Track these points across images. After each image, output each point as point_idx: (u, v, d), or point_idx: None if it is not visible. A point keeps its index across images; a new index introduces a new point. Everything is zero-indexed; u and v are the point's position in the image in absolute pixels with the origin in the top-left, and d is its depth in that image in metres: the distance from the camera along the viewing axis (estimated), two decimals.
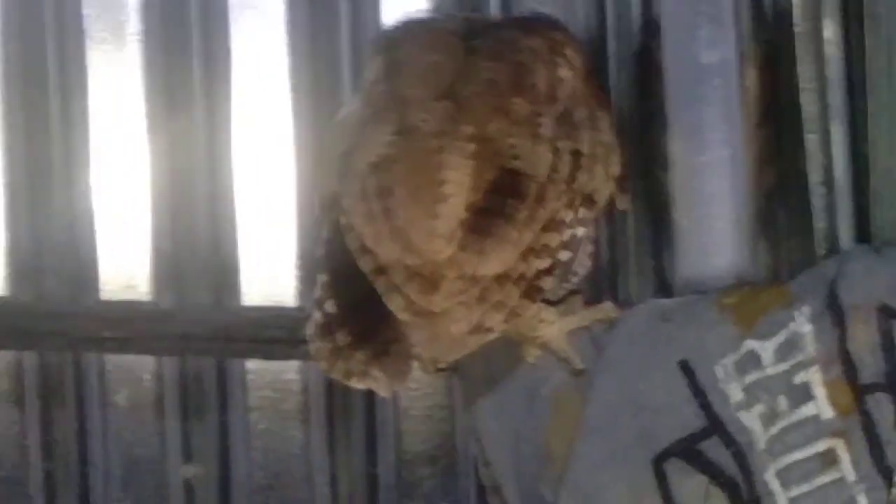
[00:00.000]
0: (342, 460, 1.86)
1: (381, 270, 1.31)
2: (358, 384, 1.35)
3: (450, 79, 1.36)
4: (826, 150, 1.40)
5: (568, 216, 1.35)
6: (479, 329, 1.30)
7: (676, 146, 1.46)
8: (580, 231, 1.37)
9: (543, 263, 1.33)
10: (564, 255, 1.35)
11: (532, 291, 1.33)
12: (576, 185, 1.35)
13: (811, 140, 1.40)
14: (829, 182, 1.40)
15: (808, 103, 1.39)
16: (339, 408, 1.86)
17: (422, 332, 1.29)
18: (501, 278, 1.30)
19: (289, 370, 1.87)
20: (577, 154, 1.36)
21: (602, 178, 1.39)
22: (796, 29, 1.38)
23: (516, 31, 1.43)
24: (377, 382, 1.33)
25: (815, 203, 1.40)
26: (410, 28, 1.49)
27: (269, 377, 1.89)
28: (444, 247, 1.29)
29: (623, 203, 1.45)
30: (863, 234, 1.40)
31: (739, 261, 1.44)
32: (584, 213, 1.38)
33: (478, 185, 1.30)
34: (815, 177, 1.40)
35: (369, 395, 1.86)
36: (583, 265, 1.44)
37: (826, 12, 1.38)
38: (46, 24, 1.93)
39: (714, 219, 1.45)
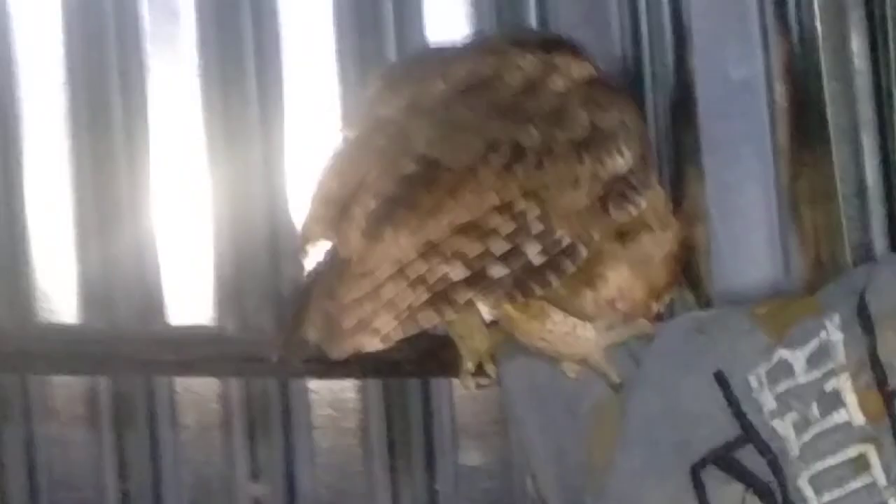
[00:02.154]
0: (403, 476, 1.92)
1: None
2: None
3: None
4: (857, 161, 1.42)
5: (499, 223, 1.29)
6: (365, 328, 1.26)
7: (709, 160, 1.49)
8: (532, 249, 1.30)
9: (454, 272, 1.27)
10: (497, 272, 1.28)
11: (440, 302, 1.27)
12: (515, 182, 1.30)
13: (842, 152, 1.42)
14: (861, 193, 1.42)
15: (836, 116, 1.41)
16: (398, 424, 1.92)
17: (325, 323, 1.29)
18: (397, 276, 1.27)
19: (348, 389, 1.93)
20: (518, 147, 1.31)
21: (566, 180, 1.32)
22: (822, 43, 1.41)
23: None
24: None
25: (847, 214, 1.42)
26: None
27: (331, 397, 1.94)
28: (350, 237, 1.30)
29: (634, 205, 1.38)
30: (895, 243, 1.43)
31: (774, 272, 1.46)
32: (537, 228, 1.30)
33: (392, 174, 1.31)
34: (846, 188, 1.42)
35: (427, 412, 1.92)
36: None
37: (852, 26, 1.40)
38: (109, 65, 2.00)
39: (748, 231, 1.47)
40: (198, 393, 2.00)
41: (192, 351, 1.83)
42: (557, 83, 1.38)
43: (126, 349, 1.87)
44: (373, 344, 1.27)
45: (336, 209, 1.33)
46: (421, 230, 1.28)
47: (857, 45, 1.41)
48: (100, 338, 1.92)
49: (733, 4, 1.45)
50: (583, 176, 1.34)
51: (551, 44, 1.44)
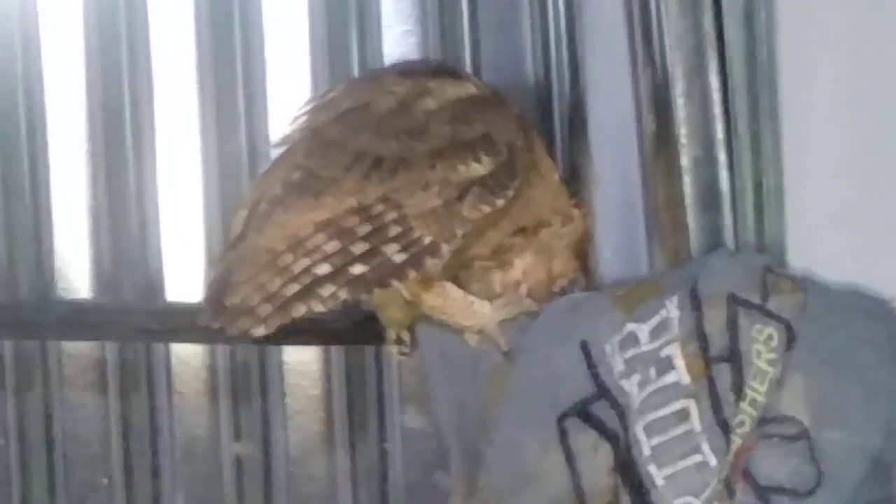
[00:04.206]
0: (358, 436, 2.18)
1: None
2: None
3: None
4: (710, 172, 1.68)
5: (356, 223, 1.48)
6: (244, 308, 1.45)
7: (596, 169, 1.77)
8: (391, 248, 1.48)
9: (315, 266, 1.46)
10: (357, 269, 1.47)
11: (307, 294, 1.45)
12: (373, 188, 1.49)
13: (697, 164, 1.69)
14: (711, 202, 1.67)
15: (691, 135, 1.69)
16: (355, 391, 2.18)
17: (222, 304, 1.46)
18: (269, 264, 1.46)
19: (315, 361, 2.21)
20: (378, 158, 1.52)
21: (417, 184, 1.51)
22: (681, 75, 1.68)
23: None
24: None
25: (697, 218, 1.69)
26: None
27: (300, 367, 2.23)
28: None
29: (488, 206, 1.56)
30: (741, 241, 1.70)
31: (641, 264, 1.74)
32: (395, 230, 1.49)
33: (282, 181, 1.55)
34: (698, 196, 1.68)
35: (380, 381, 2.21)
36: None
37: (708, 62, 1.68)
38: (122, 78, 2.28)
39: (625, 230, 1.75)
40: (190, 363, 2.21)
41: (182, 321, 2.12)
42: (428, 103, 1.60)
43: (128, 320, 2.15)
44: (254, 326, 1.46)
45: (247, 209, 1.59)
46: (289, 226, 1.50)
47: (712, 78, 1.68)
48: (107, 310, 2.14)
49: (612, 44, 1.73)
50: (433, 181, 1.53)
51: (437, 71, 1.68)
